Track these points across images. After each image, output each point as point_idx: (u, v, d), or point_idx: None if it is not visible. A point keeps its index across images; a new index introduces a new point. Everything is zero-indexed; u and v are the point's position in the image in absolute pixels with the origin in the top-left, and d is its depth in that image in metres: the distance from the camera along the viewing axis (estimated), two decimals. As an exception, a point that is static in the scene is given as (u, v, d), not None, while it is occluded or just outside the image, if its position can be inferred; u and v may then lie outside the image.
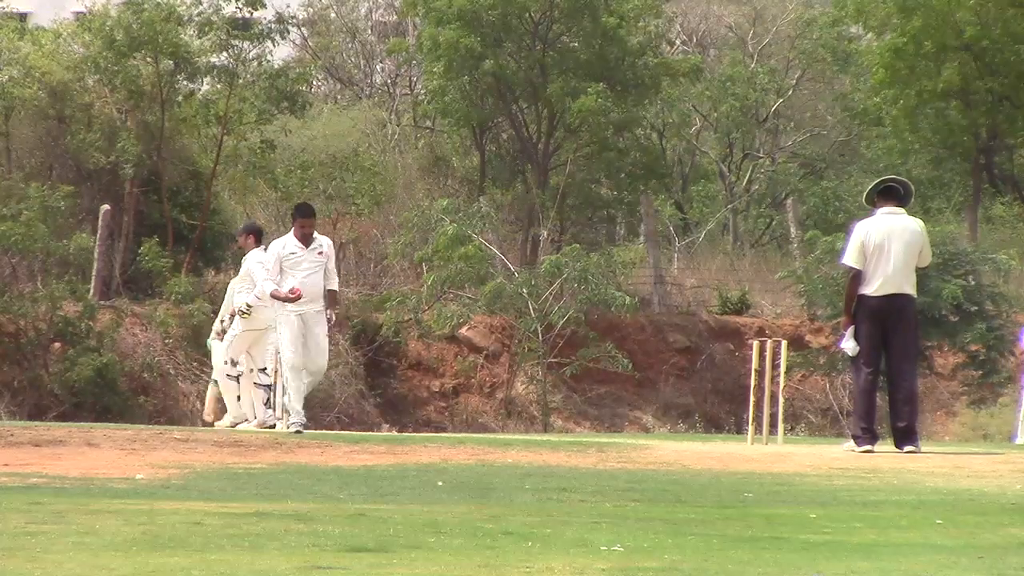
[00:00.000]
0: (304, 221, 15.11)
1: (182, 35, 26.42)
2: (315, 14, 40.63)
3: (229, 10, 26.78)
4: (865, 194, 13.98)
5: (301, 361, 14.81)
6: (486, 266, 26.33)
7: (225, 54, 27.03)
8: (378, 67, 40.87)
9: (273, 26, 27.12)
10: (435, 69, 30.09)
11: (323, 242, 15.17)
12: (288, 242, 15.11)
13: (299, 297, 14.69)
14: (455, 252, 25.85)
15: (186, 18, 26.53)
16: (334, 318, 15.35)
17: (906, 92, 28.50)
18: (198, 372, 24.21)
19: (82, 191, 27.08)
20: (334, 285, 15.28)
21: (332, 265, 15.19)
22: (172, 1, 26.53)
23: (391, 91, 39.51)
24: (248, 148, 27.81)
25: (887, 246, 13.54)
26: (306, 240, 15.02)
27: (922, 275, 14.89)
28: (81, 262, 25.01)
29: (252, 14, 26.99)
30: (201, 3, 26.59)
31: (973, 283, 24.08)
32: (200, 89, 27.80)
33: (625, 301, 25.87)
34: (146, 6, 26.13)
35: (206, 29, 26.49)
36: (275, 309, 15.03)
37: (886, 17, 28.55)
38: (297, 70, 28.94)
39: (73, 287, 24.41)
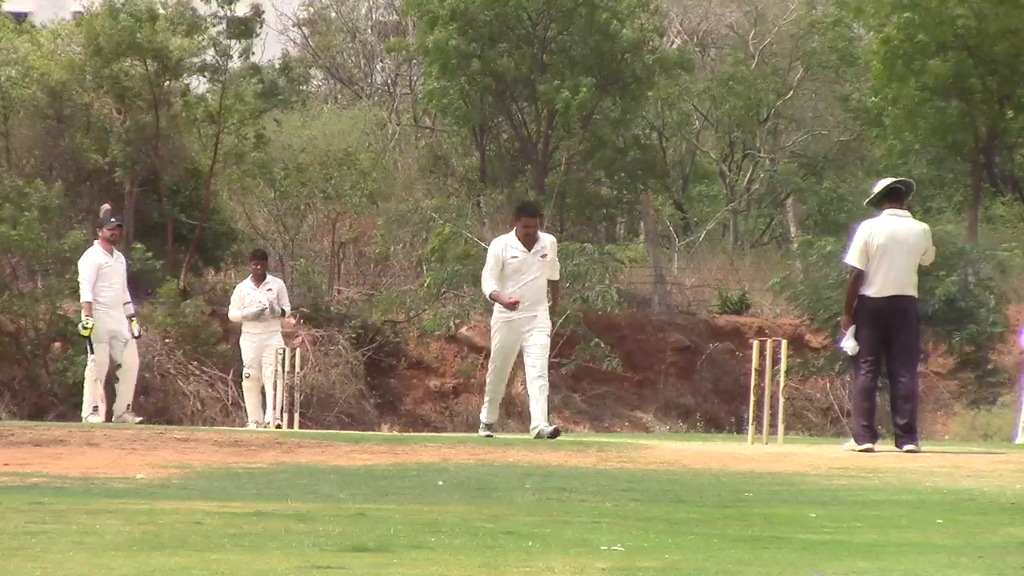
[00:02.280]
0: (528, 221, 13.77)
1: (164, 38, 26.36)
2: (315, 14, 40.63)
3: (209, 10, 26.78)
4: (868, 200, 13.97)
5: (505, 373, 14.04)
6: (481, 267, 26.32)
7: (212, 51, 27.02)
8: (378, 67, 40.86)
9: (251, 18, 27.10)
10: (432, 71, 30.12)
11: (546, 242, 13.87)
12: (509, 243, 13.81)
13: (517, 304, 13.59)
14: (451, 253, 25.84)
15: (168, 22, 26.47)
16: (554, 306, 14.26)
17: (905, 90, 28.50)
18: (197, 372, 24.22)
19: (82, 191, 27.06)
20: (556, 276, 14.21)
21: (555, 260, 14.07)
22: (151, 4, 26.49)
23: (391, 91, 39.51)
24: (244, 144, 27.80)
25: (890, 248, 13.55)
26: (529, 241, 13.73)
27: (919, 273, 14.87)
28: (78, 260, 24.97)
29: (228, 12, 26.90)
30: (181, 6, 26.59)
31: (972, 279, 24.09)
32: (192, 88, 27.80)
33: (611, 293, 25.86)
34: (122, 13, 26.10)
35: (194, 30, 26.46)
36: (496, 311, 13.99)
37: (884, 16, 28.55)
38: (281, 62, 28.99)
39: (73, 286, 24.40)
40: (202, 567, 6.35)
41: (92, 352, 17.50)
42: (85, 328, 17.49)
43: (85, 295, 17.53)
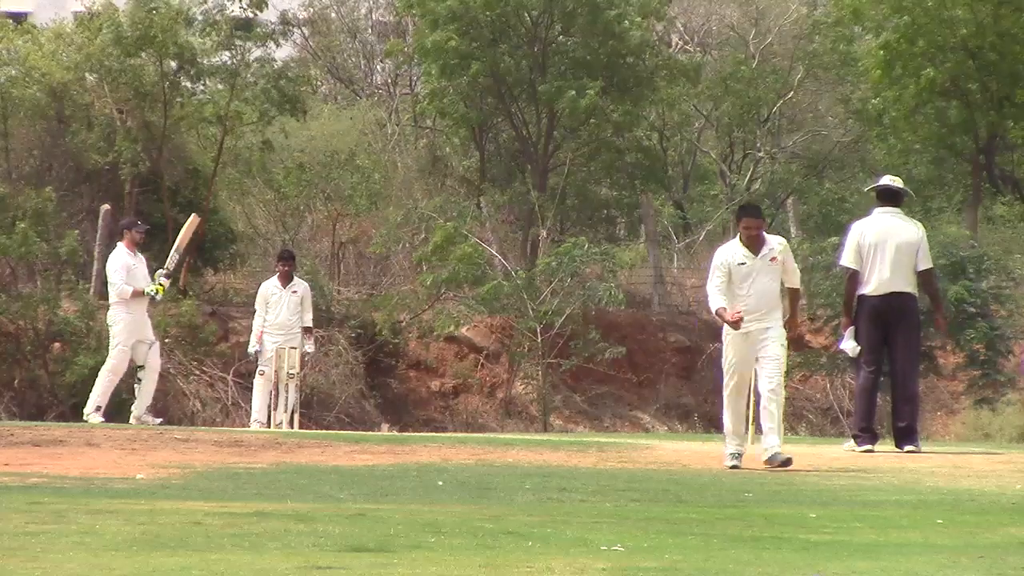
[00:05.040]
0: (749, 222, 12.67)
1: (187, 36, 26.37)
2: (315, 14, 40.65)
3: (233, 10, 26.76)
4: (869, 187, 14.07)
5: (743, 392, 12.59)
6: (482, 266, 26.29)
7: (228, 54, 27.01)
8: (378, 67, 40.88)
9: (277, 27, 27.12)
10: (431, 71, 30.11)
11: (774, 245, 12.71)
12: (734, 250, 12.67)
13: (740, 321, 12.42)
14: (452, 253, 25.84)
15: (191, 18, 26.48)
16: (793, 318, 13.15)
17: (904, 92, 28.51)
18: (198, 372, 24.21)
19: (82, 191, 27.06)
20: (795, 282, 13.04)
21: (791, 264, 12.86)
22: (182, 2, 26.50)
23: (391, 91, 39.52)
24: (247, 148, 27.79)
25: (883, 246, 13.59)
26: (754, 245, 12.59)
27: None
28: (77, 261, 24.98)
29: (256, 15, 26.96)
30: (206, 2, 26.58)
31: (984, 287, 24.20)
32: (202, 89, 27.77)
33: (612, 292, 25.87)
34: (157, 5, 26.10)
35: (209, 29, 26.47)
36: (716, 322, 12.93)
37: (882, 19, 28.55)
38: (298, 71, 28.93)
39: (71, 287, 24.40)
40: (202, 567, 6.35)
41: (114, 353, 17.69)
42: (158, 290, 17.64)
43: (124, 289, 17.55)
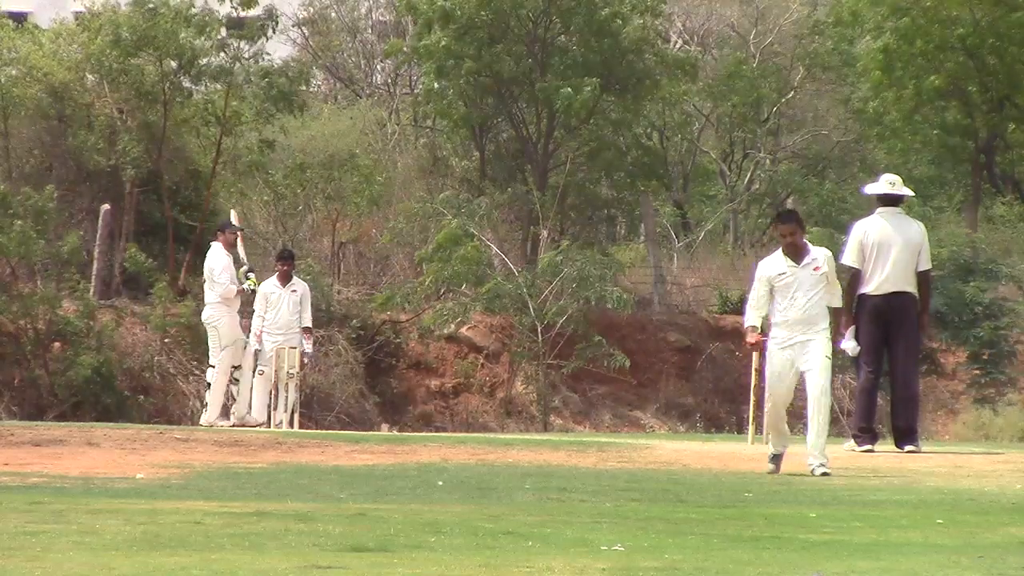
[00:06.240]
0: (784, 228, 12.19)
1: (185, 36, 26.34)
2: (315, 13, 40.64)
3: (224, 11, 26.73)
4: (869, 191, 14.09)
5: (781, 403, 12.22)
6: (483, 267, 26.27)
7: (223, 54, 26.98)
8: (378, 67, 40.87)
9: (265, 22, 27.04)
10: (430, 70, 30.11)
11: (817, 255, 12.10)
12: (776, 261, 12.16)
13: (758, 344, 12.25)
14: (455, 253, 25.81)
15: (190, 18, 26.46)
16: (848, 335, 13.01)
17: (903, 93, 28.51)
18: (198, 372, 24.22)
19: (82, 191, 27.05)
20: (835, 301, 12.39)
21: (832, 276, 12.22)
22: (181, 3, 26.47)
23: (391, 91, 39.52)
24: (247, 148, 27.75)
25: (886, 245, 13.61)
26: (795, 253, 12.06)
27: (938, 278, 14.94)
28: (79, 261, 24.95)
29: (245, 12, 26.90)
30: (194, 5, 26.56)
31: (988, 299, 24.29)
32: (200, 90, 27.74)
33: (619, 295, 25.85)
34: (158, 7, 26.08)
35: (207, 30, 26.45)
36: (770, 335, 12.27)
37: (881, 20, 28.55)
38: (293, 67, 28.89)
39: (72, 286, 24.38)
40: (202, 567, 6.35)
41: (217, 359, 18.10)
42: (252, 283, 18.24)
43: (231, 289, 18.07)
